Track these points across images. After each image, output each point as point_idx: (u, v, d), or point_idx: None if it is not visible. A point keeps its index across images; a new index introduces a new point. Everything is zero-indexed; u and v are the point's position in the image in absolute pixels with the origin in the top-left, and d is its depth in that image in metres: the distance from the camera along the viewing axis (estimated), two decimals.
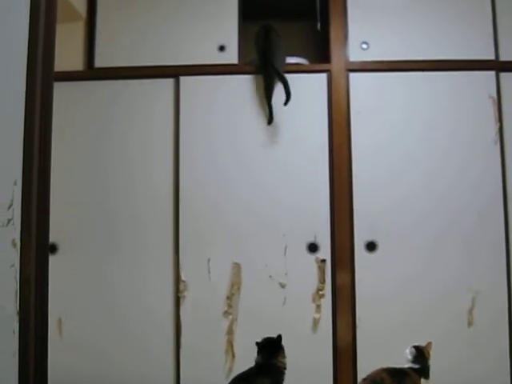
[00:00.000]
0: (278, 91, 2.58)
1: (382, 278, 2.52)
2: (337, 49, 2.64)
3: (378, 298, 2.51)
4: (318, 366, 2.49)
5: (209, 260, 2.56)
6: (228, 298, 2.54)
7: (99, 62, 2.71)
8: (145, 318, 2.56)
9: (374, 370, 1.94)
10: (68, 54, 2.67)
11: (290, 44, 2.78)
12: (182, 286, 2.55)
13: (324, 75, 2.62)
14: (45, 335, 1.28)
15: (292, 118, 2.61)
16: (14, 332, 1.16)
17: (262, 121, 2.61)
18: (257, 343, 2.01)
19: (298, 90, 2.53)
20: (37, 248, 1.24)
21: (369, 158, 2.57)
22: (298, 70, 2.64)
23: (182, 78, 2.65)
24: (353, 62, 2.63)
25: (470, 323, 2.47)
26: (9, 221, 1.17)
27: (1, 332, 1.15)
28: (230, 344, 2.53)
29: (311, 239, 2.55)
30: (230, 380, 1.99)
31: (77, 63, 2.71)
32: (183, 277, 2.55)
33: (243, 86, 2.64)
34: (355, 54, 2.64)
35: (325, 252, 2.54)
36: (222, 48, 2.68)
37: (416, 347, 2.00)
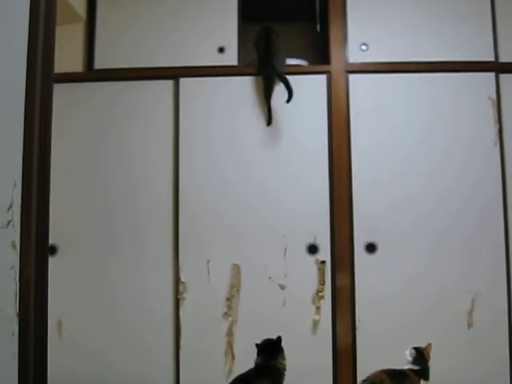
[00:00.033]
0: (278, 93, 2.58)
1: (382, 279, 2.52)
2: (336, 50, 2.64)
3: (378, 299, 2.50)
4: (318, 368, 2.49)
5: (208, 261, 2.56)
6: (228, 299, 2.54)
7: (99, 63, 2.71)
8: (144, 319, 2.56)
9: (373, 372, 1.94)
10: (68, 55, 2.66)
11: (289, 45, 2.78)
12: (181, 288, 2.54)
13: (323, 77, 2.63)
14: (44, 337, 1.28)
15: (291, 119, 2.61)
16: (13, 334, 1.16)
17: (262, 122, 2.61)
18: (256, 345, 2.01)
19: (298, 92, 2.53)
20: (36, 250, 1.24)
21: (368, 160, 2.57)
22: (297, 71, 2.64)
23: (182, 80, 2.65)
24: (352, 64, 2.63)
25: (469, 325, 2.47)
26: (8, 222, 1.17)
27: (0, 334, 1.15)
28: (230, 345, 2.52)
29: (311, 240, 2.55)
30: (229, 381, 1.98)
31: (76, 65, 2.71)
32: (183, 278, 2.55)
33: (243, 87, 2.65)
34: (355, 55, 2.64)
35: (324, 253, 2.54)
36: (221, 50, 2.68)
37: (416, 349, 2.00)
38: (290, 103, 2.54)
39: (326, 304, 2.52)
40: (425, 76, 2.60)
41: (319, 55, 2.91)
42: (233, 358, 2.51)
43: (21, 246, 1.19)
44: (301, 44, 3.06)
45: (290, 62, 2.68)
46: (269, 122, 2.59)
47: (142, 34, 2.72)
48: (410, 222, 2.53)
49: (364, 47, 2.64)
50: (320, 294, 2.52)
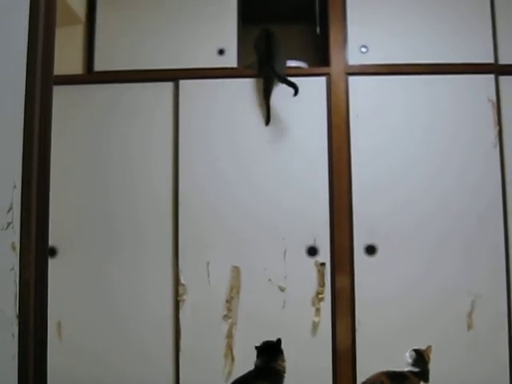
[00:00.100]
0: (279, 95, 2.59)
1: (382, 281, 2.51)
2: (336, 52, 2.65)
3: (378, 301, 2.50)
4: (318, 370, 2.48)
5: (208, 263, 2.56)
6: (227, 301, 2.54)
7: (98, 65, 2.71)
8: (144, 321, 2.56)
9: (373, 374, 1.93)
10: (67, 57, 2.67)
11: (289, 47, 2.78)
12: (181, 290, 2.54)
13: (323, 79, 2.63)
14: (44, 338, 1.28)
15: (291, 121, 2.61)
16: (13, 335, 1.16)
17: (262, 124, 2.61)
18: (256, 347, 2.01)
19: (298, 93, 2.53)
20: (36, 251, 1.24)
21: (368, 162, 2.57)
22: (297, 73, 2.63)
23: (182, 82, 2.65)
24: (352, 66, 2.63)
25: (469, 327, 2.47)
26: (8, 224, 1.17)
27: (0, 335, 1.15)
28: (230, 347, 2.52)
29: (311, 242, 2.55)
30: (229, 383, 1.99)
31: (76, 67, 2.72)
32: (182, 280, 2.54)
33: (243, 89, 2.65)
34: (354, 57, 2.64)
35: (324, 255, 2.54)
36: (221, 52, 2.68)
37: (416, 350, 2.00)
38: (290, 104, 2.56)
39: (326, 306, 2.52)
40: (424, 78, 2.60)
41: (319, 57, 2.91)
42: (232, 360, 2.51)
43: (21, 248, 1.19)
44: (300, 46, 3.06)
45: (290, 63, 2.68)
46: (267, 121, 2.60)
47: (141, 36, 2.72)
48: (410, 224, 2.53)
49: (364, 49, 2.64)
50: (320, 296, 2.52)
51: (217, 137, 2.63)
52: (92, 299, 2.58)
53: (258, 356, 1.99)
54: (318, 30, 2.80)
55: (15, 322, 1.16)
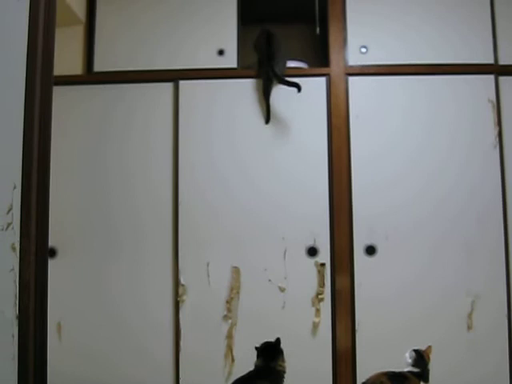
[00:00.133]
0: (278, 95, 2.59)
1: (382, 281, 2.51)
2: (336, 53, 2.65)
3: (378, 301, 2.50)
4: (318, 370, 2.48)
5: (208, 264, 2.56)
6: (227, 302, 2.54)
7: (98, 65, 2.71)
8: (144, 321, 2.56)
9: (373, 374, 1.93)
10: (67, 57, 2.67)
11: (289, 48, 2.78)
12: (181, 290, 2.54)
13: (323, 79, 2.63)
14: (44, 339, 1.28)
15: (291, 121, 2.61)
16: (13, 336, 1.16)
17: (262, 125, 2.61)
18: (256, 348, 2.00)
19: (298, 94, 2.53)
20: (36, 252, 1.24)
21: (368, 162, 2.57)
22: (297, 73, 2.63)
23: (181, 82, 2.65)
24: (352, 66, 2.64)
25: (469, 327, 2.47)
26: (8, 225, 1.17)
27: (0, 336, 1.15)
28: (230, 348, 2.52)
29: (311, 243, 2.55)
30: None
31: (76, 67, 2.72)
32: (182, 281, 2.54)
33: (242, 90, 2.65)
34: (354, 57, 2.64)
35: (324, 256, 2.54)
36: (221, 52, 2.68)
37: (416, 351, 2.00)
38: (290, 105, 2.58)
39: (326, 306, 2.52)
40: (424, 78, 2.60)
41: (318, 58, 2.91)
42: (232, 360, 2.51)
43: (20, 249, 1.19)
44: (300, 46, 3.06)
45: (290, 64, 2.68)
46: (267, 119, 2.60)
47: (141, 37, 2.72)
48: (409, 225, 2.53)
49: (364, 49, 2.64)
50: (320, 296, 2.52)
51: (217, 137, 2.63)
52: (92, 300, 2.58)
53: (258, 356, 1.99)
54: (317, 30, 2.80)
55: (15, 322, 1.16)
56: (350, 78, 2.62)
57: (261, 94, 2.62)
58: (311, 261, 2.54)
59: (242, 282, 2.55)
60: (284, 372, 1.96)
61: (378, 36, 2.65)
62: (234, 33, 2.70)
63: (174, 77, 2.66)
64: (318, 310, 2.51)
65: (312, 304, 2.52)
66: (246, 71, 2.67)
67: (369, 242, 2.53)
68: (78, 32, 2.73)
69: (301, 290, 2.53)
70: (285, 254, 2.55)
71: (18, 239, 1.19)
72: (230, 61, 2.68)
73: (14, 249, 1.18)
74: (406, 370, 1.97)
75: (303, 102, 2.59)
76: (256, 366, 1.97)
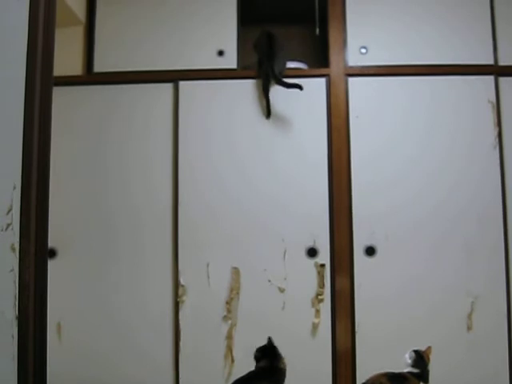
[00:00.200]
0: (278, 96, 2.59)
1: (382, 282, 2.51)
2: (336, 53, 2.65)
3: (378, 302, 2.50)
4: (317, 371, 2.48)
5: (208, 265, 2.56)
6: (227, 302, 2.54)
7: (98, 66, 2.71)
8: (144, 322, 2.56)
9: (373, 375, 1.93)
10: (67, 58, 2.67)
11: (288, 49, 2.78)
12: (181, 291, 2.54)
13: (323, 80, 2.63)
14: (44, 340, 1.28)
15: (291, 122, 2.61)
16: (13, 336, 1.16)
17: (262, 125, 2.61)
18: (255, 356, 1.99)
19: (298, 95, 2.53)
20: (36, 253, 1.24)
21: (368, 163, 2.57)
22: (296, 74, 2.63)
23: (181, 83, 2.65)
24: (352, 67, 2.64)
25: (469, 328, 2.47)
26: (8, 225, 1.17)
27: (0, 336, 1.15)
28: (230, 349, 2.52)
29: (310, 244, 2.55)
30: None
31: (76, 68, 2.72)
32: (182, 281, 2.54)
33: (242, 90, 2.65)
34: (354, 58, 2.64)
35: (324, 256, 2.54)
36: (220, 53, 2.68)
37: (416, 351, 2.00)
38: (290, 105, 2.58)
39: (326, 307, 2.52)
40: (424, 79, 2.60)
41: (318, 58, 2.91)
42: (232, 361, 2.51)
43: (20, 249, 1.19)
44: (300, 47, 3.06)
45: (290, 65, 2.68)
46: (267, 114, 2.60)
47: (141, 37, 2.72)
48: (409, 226, 2.53)
49: (363, 50, 2.64)
50: (319, 297, 2.52)
51: (216, 138, 2.63)
52: (92, 300, 2.58)
53: (259, 359, 1.98)
54: (317, 31, 2.80)
55: (15, 323, 1.16)
56: (350, 79, 2.62)
57: (260, 93, 2.62)
58: (311, 261, 2.54)
59: (242, 283, 2.55)
60: (285, 369, 1.96)
61: (378, 37, 2.65)
62: (234, 33, 2.70)
63: (173, 77, 2.66)
64: (317, 311, 2.51)
65: (312, 305, 2.52)
66: (246, 72, 2.67)
67: (369, 243, 2.53)
68: (78, 32, 2.73)
69: (300, 290, 2.53)
70: (284, 254, 2.55)
71: (18, 240, 1.19)
72: (230, 61, 2.68)
73: (13, 249, 1.18)
74: (405, 370, 1.97)
75: (303, 102, 2.59)
76: (260, 367, 1.95)
